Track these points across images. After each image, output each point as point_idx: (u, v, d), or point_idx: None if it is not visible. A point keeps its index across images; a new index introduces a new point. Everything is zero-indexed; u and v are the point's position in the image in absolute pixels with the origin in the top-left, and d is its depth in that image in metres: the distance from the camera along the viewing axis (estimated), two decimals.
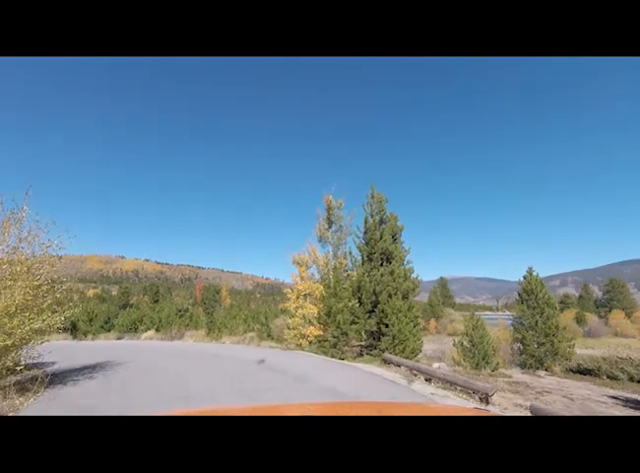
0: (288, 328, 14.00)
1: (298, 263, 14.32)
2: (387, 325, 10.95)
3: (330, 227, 13.75)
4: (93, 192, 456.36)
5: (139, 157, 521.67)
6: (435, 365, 10.92)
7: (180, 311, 23.63)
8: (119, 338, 17.72)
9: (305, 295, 14.01)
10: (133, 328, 20.48)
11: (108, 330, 19.74)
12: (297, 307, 13.79)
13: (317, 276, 13.94)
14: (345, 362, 10.50)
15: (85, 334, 19.25)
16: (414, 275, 12.50)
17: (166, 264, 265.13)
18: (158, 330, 20.54)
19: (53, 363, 10.07)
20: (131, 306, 29.50)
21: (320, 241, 13.89)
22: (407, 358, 10.37)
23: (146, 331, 19.45)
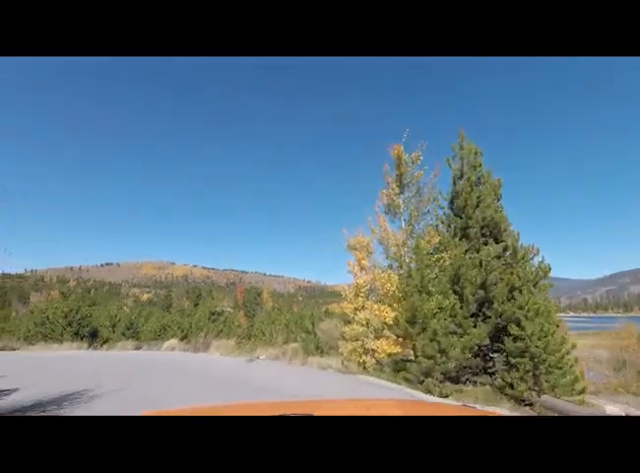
0: (344, 338, 9.94)
1: (356, 248, 10.23)
2: (516, 338, 6.53)
3: (402, 191, 9.34)
4: (146, 201, 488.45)
5: (185, 167, 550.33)
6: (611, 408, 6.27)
7: (214, 315, 20.28)
8: (137, 348, 14.83)
9: (369, 290, 9.85)
10: (159, 336, 17.56)
11: (131, 337, 16.89)
12: (357, 309, 9.68)
13: (384, 263, 9.60)
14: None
15: (106, 341, 16.54)
16: (537, 258, 7.92)
17: (213, 269, 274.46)
18: (185, 337, 17.39)
19: (8, 391, 6.84)
20: (168, 311, 26.74)
21: (388, 213, 9.44)
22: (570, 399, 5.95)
23: (170, 339, 16.43)
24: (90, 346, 14.85)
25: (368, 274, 10.02)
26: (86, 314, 16.38)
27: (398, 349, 7.92)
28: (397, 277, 8.44)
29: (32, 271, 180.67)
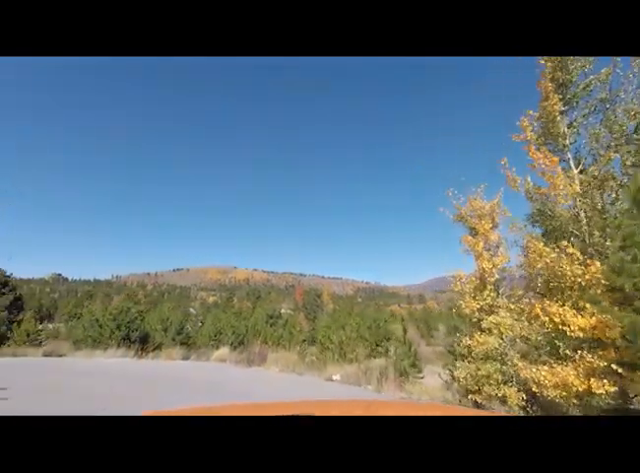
0: (464, 357, 6.42)
1: (471, 217, 6.69)
2: None
3: (567, 107, 5.45)
4: (209, 206, 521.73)
5: (235, 171, 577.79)
6: None
7: (272, 318, 17.63)
8: (185, 357, 12.57)
9: (499, 279, 6.23)
10: (214, 339, 15.40)
11: (182, 343, 14.90)
12: (483, 310, 6.11)
13: (530, 231, 5.78)
14: None
15: (158, 347, 14.73)
16: None
17: (272, 273, 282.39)
18: (240, 344, 14.95)
19: None
20: (224, 312, 24.84)
21: (542, 145, 5.44)
22: None
23: (223, 346, 14.12)
24: (136, 353, 13.02)
25: (496, 256, 6.39)
26: (135, 316, 14.74)
27: (605, 386, 4.13)
28: (576, 251, 4.70)
29: (116, 277, 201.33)
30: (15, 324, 21.98)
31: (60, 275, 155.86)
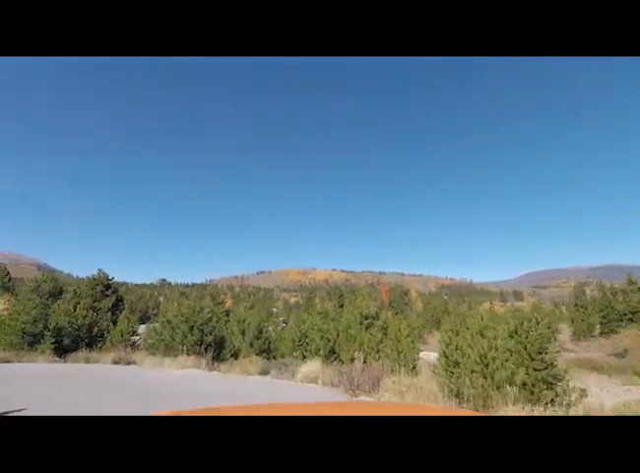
0: None
1: None
2: None
3: None
4: (288, 211, 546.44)
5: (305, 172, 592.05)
6: None
7: (367, 319, 13.98)
8: (264, 371, 9.49)
9: None
10: (299, 346, 12.43)
11: (262, 351, 12.18)
12: None
13: None
14: None
15: (235, 354, 12.30)
16: None
17: (351, 272, 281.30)
18: (332, 353, 11.65)
19: None
20: (309, 313, 21.85)
21: None
22: None
23: (311, 355, 10.97)
24: (209, 363, 10.59)
25: None
26: (209, 317, 12.52)
27: None
28: None
29: (210, 280, 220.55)
30: (113, 325, 22.32)
31: (165, 280, 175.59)
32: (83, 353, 12.60)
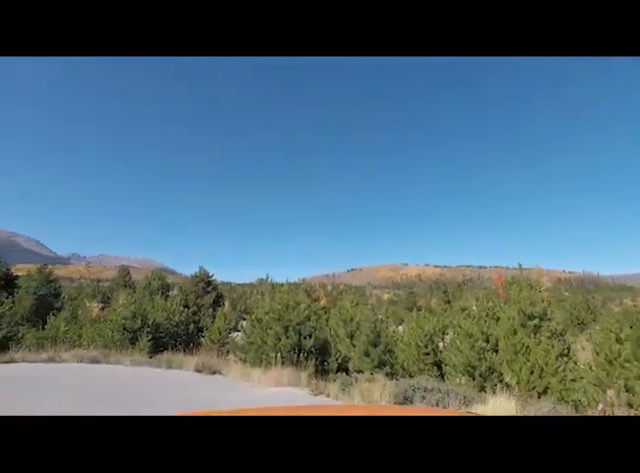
0: None
1: None
2: None
3: None
4: (377, 209, 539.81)
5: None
6: None
7: (531, 318, 9.41)
8: (401, 398, 6.13)
9: None
10: (426, 364, 8.58)
11: (381, 364, 8.61)
12: None
13: None
14: None
15: (343, 367, 9.09)
16: None
17: (445, 267, 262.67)
18: (489, 372, 7.49)
19: None
20: (419, 309, 17.57)
21: None
22: None
23: (455, 377, 6.99)
24: (311, 379, 7.46)
25: None
26: (307, 315, 9.54)
27: None
28: None
29: (302, 279, 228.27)
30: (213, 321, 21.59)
31: (263, 279, 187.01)
32: (166, 355, 10.84)
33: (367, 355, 8.65)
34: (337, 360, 9.39)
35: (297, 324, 9.30)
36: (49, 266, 33.39)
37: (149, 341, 14.27)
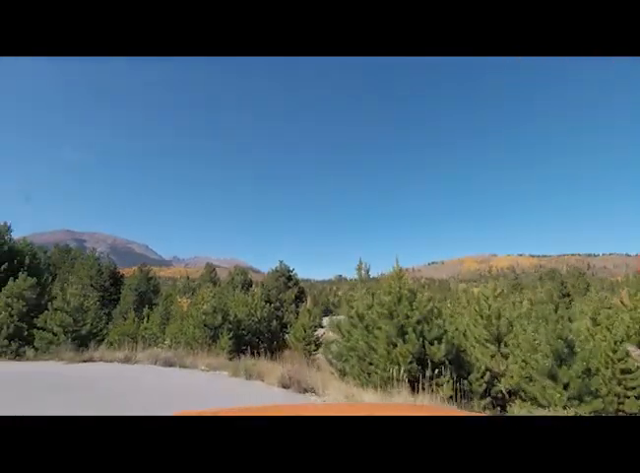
0: None
1: None
2: None
3: None
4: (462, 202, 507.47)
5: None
6: None
7: None
8: None
9: None
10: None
11: (576, 397, 5.17)
12: None
13: None
14: None
15: (494, 394, 5.88)
16: None
17: (544, 256, 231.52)
18: None
19: None
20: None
21: None
22: None
23: None
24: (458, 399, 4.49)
25: None
26: (429, 309, 6.50)
27: None
28: None
29: (382, 274, 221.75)
30: (296, 317, 19.81)
31: (341, 275, 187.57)
32: (247, 359, 8.84)
33: (555, 379, 5.24)
34: (482, 377, 6.18)
35: (417, 323, 6.34)
36: (148, 265, 35.95)
37: (230, 339, 12.83)
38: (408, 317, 6.41)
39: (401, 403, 4.43)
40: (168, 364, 8.74)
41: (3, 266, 16.41)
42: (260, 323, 15.26)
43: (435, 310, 6.51)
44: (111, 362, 9.26)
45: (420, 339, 6.11)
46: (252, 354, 12.80)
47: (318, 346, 19.62)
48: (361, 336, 6.58)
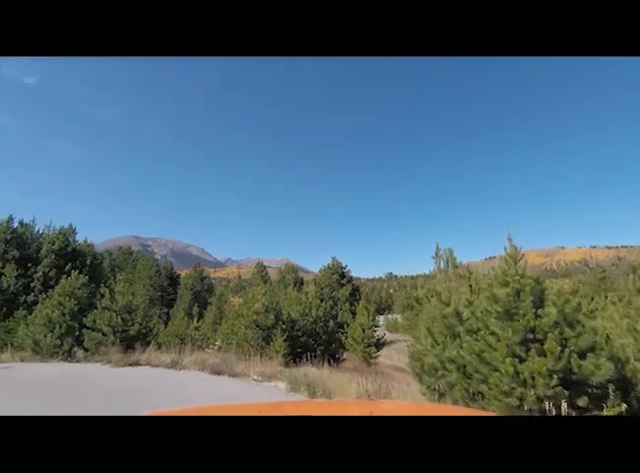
0: None
1: None
2: None
3: None
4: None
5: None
6: None
7: None
8: None
9: None
10: None
11: None
12: None
13: None
14: None
15: None
16: None
17: (623, 247, 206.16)
18: None
19: None
20: None
21: None
22: None
23: None
24: None
25: None
26: (573, 305, 4.41)
27: None
28: None
29: (433, 271, 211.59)
30: (352, 316, 18.15)
31: (391, 273, 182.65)
32: (304, 365, 7.32)
33: None
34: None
35: (554, 325, 4.30)
36: (201, 265, 36.69)
37: (284, 341, 11.54)
38: (537, 317, 4.40)
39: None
40: (216, 371, 7.54)
41: (67, 266, 16.94)
42: (315, 323, 13.81)
43: (585, 308, 4.41)
44: (157, 366, 8.33)
45: (566, 350, 4.08)
46: (308, 358, 11.40)
47: (379, 348, 17.78)
48: (468, 345, 4.68)
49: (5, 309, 14.13)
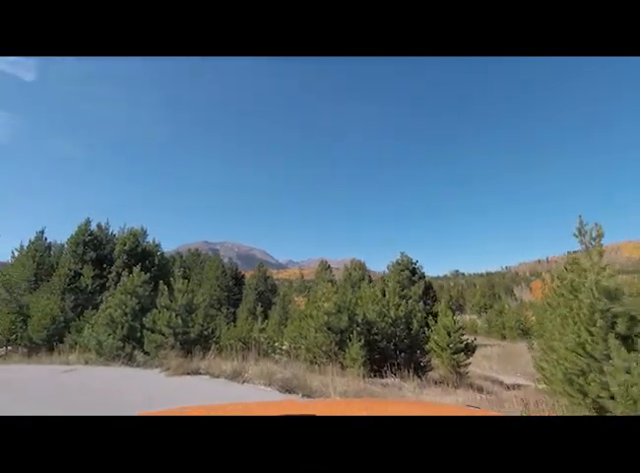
0: None
1: None
2: None
3: None
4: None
5: None
6: None
7: None
8: None
9: None
10: None
11: None
12: None
13: None
14: None
15: None
16: None
17: None
18: None
19: None
20: None
21: None
22: None
23: None
24: None
25: None
26: None
27: None
28: None
29: (505, 268, 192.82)
30: (430, 317, 15.58)
31: (458, 271, 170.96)
32: (391, 378, 5.31)
33: None
34: None
35: None
36: (264, 266, 36.56)
37: (361, 347, 9.66)
38: None
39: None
40: (286, 388, 5.89)
41: (138, 266, 17.14)
42: (396, 326, 11.69)
43: None
44: (218, 377, 6.98)
45: None
46: (389, 367, 9.36)
47: (468, 354, 15.01)
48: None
49: (81, 308, 14.41)
